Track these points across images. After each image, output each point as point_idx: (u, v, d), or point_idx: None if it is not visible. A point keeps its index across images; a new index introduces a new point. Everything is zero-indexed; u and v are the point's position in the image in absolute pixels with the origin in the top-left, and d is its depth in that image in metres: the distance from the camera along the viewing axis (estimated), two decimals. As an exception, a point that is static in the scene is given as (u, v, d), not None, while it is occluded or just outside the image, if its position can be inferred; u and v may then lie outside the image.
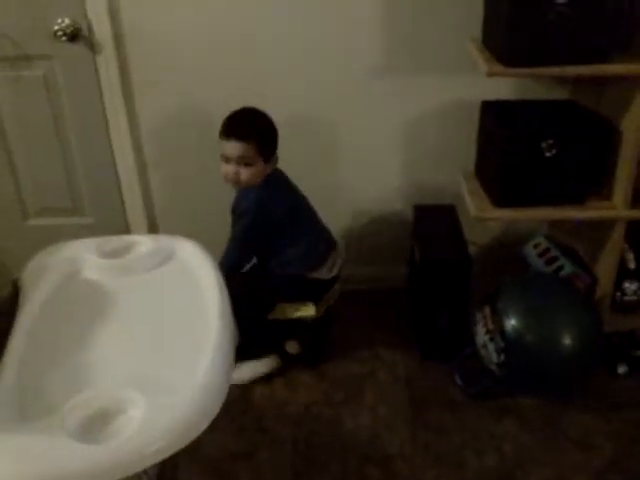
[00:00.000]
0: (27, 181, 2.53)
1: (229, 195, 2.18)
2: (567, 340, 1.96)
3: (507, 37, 1.87)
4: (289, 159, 2.18)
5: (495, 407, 2.08)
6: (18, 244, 2.33)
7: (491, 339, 2.03)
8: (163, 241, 1.29)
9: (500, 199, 2.11)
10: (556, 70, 1.89)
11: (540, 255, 2.39)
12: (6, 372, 0.97)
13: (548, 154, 2.02)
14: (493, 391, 2.11)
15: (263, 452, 1.94)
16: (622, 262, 2.23)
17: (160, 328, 1.08)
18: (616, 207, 2.08)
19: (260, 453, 1.94)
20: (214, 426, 1.94)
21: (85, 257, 1.25)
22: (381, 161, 2.49)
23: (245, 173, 2.07)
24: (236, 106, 2.10)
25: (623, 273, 2.26)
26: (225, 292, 1.14)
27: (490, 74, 1.92)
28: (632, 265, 2.28)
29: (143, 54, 2.31)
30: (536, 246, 2.43)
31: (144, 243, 1.28)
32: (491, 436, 1.98)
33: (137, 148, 2.47)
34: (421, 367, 2.26)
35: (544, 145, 2.01)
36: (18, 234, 2.57)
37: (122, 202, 2.56)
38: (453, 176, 2.35)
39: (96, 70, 2.32)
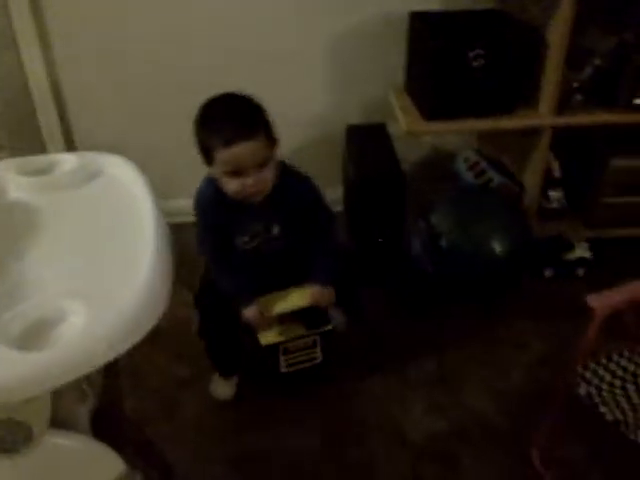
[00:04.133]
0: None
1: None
2: (498, 246, 2.02)
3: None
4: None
5: (434, 315, 2.15)
6: None
7: (426, 249, 2.07)
8: (89, 157, 1.22)
9: (430, 112, 2.12)
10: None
11: (470, 168, 2.43)
12: None
13: (476, 64, 2.03)
14: (431, 300, 2.17)
15: (207, 379, 1.93)
16: (548, 171, 2.31)
17: (95, 241, 1.04)
18: (543, 114, 2.12)
19: (205, 380, 1.93)
20: (156, 353, 1.97)
21: (7, 177, 1.18)
22: (308, 83, 2.43)
23: (266, 175, 1.59)
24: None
25: (549, 182, 2.33)
26: (158, 205, 1.10)
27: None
28: (557, 174, 2.35)
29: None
30: (466, 160, 2.47)
31: (68, 161, 1.21)
32: (431, 342, 2.04)
33: (51, 72, 2.33)
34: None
35: (472, 55, 2.01)
36: None
37: (40, 133, 2.43)
38: (384, 93, 2.34)
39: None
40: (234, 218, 1.70)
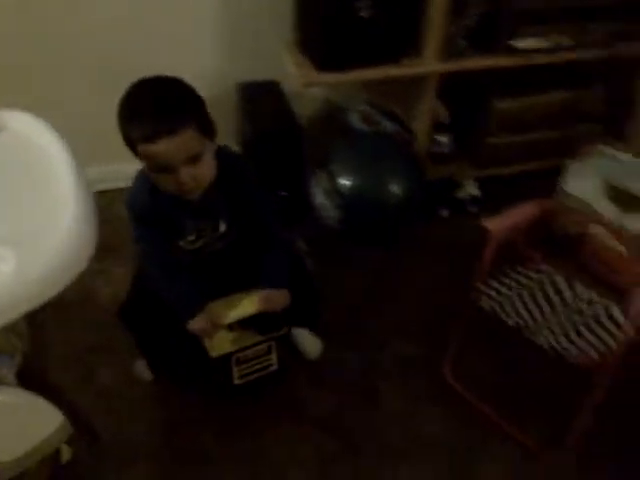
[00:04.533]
0: None
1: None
2: (395, 188, 2.12)
3: None
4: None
5: (337, 259, 2.22)
6: None
7: (329, 198, 2.14)
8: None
9: (322, 64, 2.16)
10: None
11: (363, 120, 2.51)
12: None
13: (363, 14, 2.09)
14: (336, 246, 2.25)
15: (121, 345, 1.89)
16: (436, 118, 2.43)
17: (9, 190, 1.02)
18: (428, 62, 2.22)
19: (117, 346, 1.90)
20: (66, 324, 1.92)
21: None
22: (197, 38, 2.40)
23: (201, 170, 1.43)
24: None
25: (437, 127, 2.45)
26: (71, 153, 1.09)
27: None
28: (445, 119, 2.48)
29: None
30: (358, 112, 2.55)
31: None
32: (335, 285, 2.11)
33: None
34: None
35: (359, 5, 2.08)
36: None
37: None
38: (275, 49, 2.36)
39: None
40: (175, 217, 1.53)
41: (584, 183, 1.70)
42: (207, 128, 1.44)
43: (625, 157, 1.69)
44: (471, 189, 2.41)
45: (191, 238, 1.57)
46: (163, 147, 1.34)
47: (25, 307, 0.85)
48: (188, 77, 2.30)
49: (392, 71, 2.22)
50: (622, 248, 1.64)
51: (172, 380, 1.81)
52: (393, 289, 2.12)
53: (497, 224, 1.64)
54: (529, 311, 1.58)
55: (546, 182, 1.92)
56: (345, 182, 2.12)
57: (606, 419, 1.60)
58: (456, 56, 2.25)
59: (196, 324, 1.54)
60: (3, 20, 2.15)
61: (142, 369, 1.84)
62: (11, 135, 1.19)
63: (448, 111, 2.48)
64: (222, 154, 1.52)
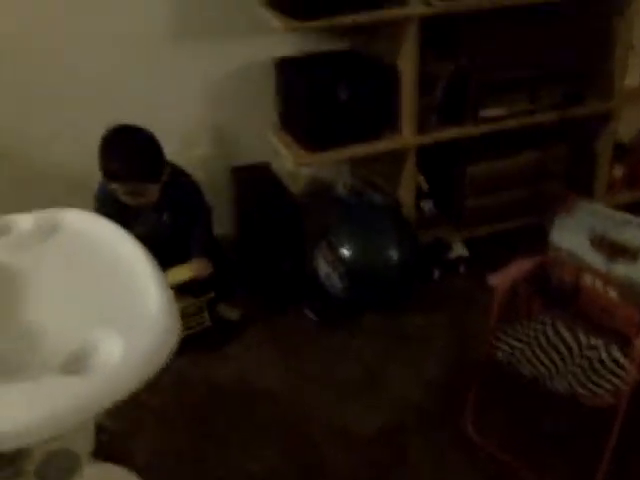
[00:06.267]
0: None
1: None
2: (392, 253, 2.27)
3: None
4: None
5: (347, 326, 2.33)
6: None
7: (333, 268, 2.25)
8: (43, 215, 1.26)
9: (312, 145, 2.32)
10: (347, 18, 2.12)
11: (350, 193, 2.65)
12: None
13: (343, 97, 2.26)
14: (342, 314, 2.36)
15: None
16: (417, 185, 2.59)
17: (88, 277, 1.09)
18: (406, 137, 2.40)
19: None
20: None
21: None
22: (189, 129, 2.54)
23: (154, 192, 2.08)
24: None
25: (418, 194, 2.62)
26: (134, 239, 1.17)
27: (287, 29, 2.10)
28: (424, 187, 2.65)
29: None
30: (344, 186, 2.69)
31: (24, 220, 1.24)
32: (350, 350, 2.22)
33: None
34: (275, 309, 2.44)
35: (337, 88, 2.25)
36: None
37: None
38: (263, 133, 2.51)
39: None
40: (129, 211, 2.07)
41: (571, 236, 1.85)
42: (162, 175, 2.04)
43: (604, 210, 1.86)
44: (459, 249, 2.55)
45: (140, 228, 2.00)
46: (116, 185, 2.00)
47: (132, 387, 0.90)
48: (183, 164, 2.47)
49: (374, 147, 2.39)
50: (614, 293, 1.79)
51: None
52: (399, 347, 2.22)
53: (500, 280, 1.77)
54: (540, 361, 1.70)
55: (528, 237, 2.10)
56: (345, 251, 2.25)
57: (628, 462, 1.70)
58: (430, 129, 2.44)
59: None
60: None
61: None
62: (69, 232, 1.26)
63: (426, 179, 2.65)
64: (174, 169, 2.13)
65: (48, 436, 0.78)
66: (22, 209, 1.29)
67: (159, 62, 2.39)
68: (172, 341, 0.95)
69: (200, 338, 2.21)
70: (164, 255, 1.87)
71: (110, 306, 1.02)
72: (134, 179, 2.01)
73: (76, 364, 0.88)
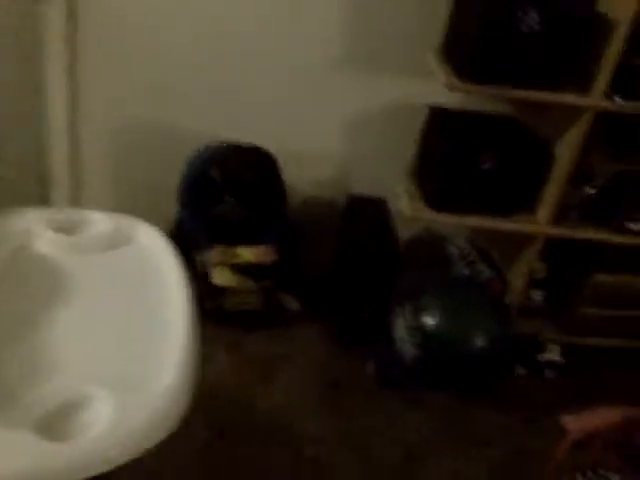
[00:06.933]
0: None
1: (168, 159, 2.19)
2: (480, 342, 2.09)
3: (469, 54, 1.93)
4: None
5: (404, 398, 2.19)
6: None
7: (409, 334, 2.13)
8: (121, 222, 1.25)
9: (434, 202, 2.19)
10: (514, 92, 1.97)
11: (461, 258, 2.50)
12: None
13: (486, 166, 2.12)
14: (404, 382, 2.22)
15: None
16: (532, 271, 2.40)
17: (121, 315, 1.06)
18: (539, 223, 2.21)
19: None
20: None
21: (36, 230, 1.20)
22: (322, 149, 2.51)
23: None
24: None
25: (532, 281, 2.42)
26: (188, 283, 1.13)
27: (448, 87, 1.97)
28: (542, 275, 2.45)
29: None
30: (458, 248, 2.54)
31: (100, 221, 1.24)
32: (398, 426, 2.09)
33: (72, 94, 2.35)
34: (338, 352, 2.34)
35: (482, 158, 2.10)
36: None
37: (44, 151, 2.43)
38: (391, 172, 2.41)
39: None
40: (216, 192, 2.22)
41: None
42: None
43: None
44: (553, 354, 2.35)
45: (221, 205, 2.22)
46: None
47: (119, 460, 0.84)
48: (307, 179, 2.47)
49: (501, 224, 2.23)
50: None
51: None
52: (454, 442, 2.07)
53: (577, 425, 1.58)
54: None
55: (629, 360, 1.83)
56: (430, 321, 2.11)
57: None
58: (567, 223, 2.23)
59: (213, 253, 2.23)
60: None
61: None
62: (137, 249, 1.24)
63: (546, 267, 2.45)
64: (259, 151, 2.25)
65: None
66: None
67: (316, 84, 2.38)
68: (172, 421, 0.89)
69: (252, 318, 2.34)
70: (237, 232, 2.28)
71: (121, 360, 0.97)
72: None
73: (60, 421, 0.84)
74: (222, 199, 2.24)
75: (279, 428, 2.01)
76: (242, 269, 2.26)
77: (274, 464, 1.89)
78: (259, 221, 2.32)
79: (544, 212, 2.20)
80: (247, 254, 2.27)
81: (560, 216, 2.21)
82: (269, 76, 2.37)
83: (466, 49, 1.95)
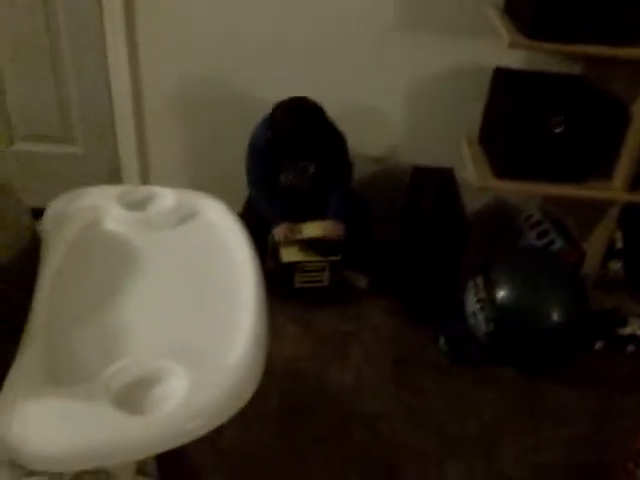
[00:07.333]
0: (15, 104, 2.41)
1: (232, 137, 2.23)
2: (555, 315, 2.01)
3: (534, 9, 1.84)
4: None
5: (477, 374, 2.13)
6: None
7: (482, 308, 2.06)
8: (187, 197, 1.24)
9: (503, 170, 2.11)
10: (584, 48, 1.87)
11: (532, 227, 2.41)
12: (34, 331, 0.94)
13: (556, 130, 2.02)
14: (476, 358, 2.16)
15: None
16: (610, 241, 2.28)
17: (191, 290, 1.05)
18: (616, 189, 2.10)
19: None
20: None
21: (106, 207, 1.20)
22: (384, 117, 2.45)
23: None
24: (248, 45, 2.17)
25: (609, 252, 2.31)
26: (256, 255, 1.11)
27: (512, 46, 1.88)
28: (619, 244, 2.33)
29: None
30: (528, 218, 2.46)
31: (167, 196, 1.23)
32: (471, 402, 2.03)
33: (134, 77, 2.37)
34: (407, 328, 2.30)
35: (553, 121, 2.01)
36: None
37: (114, 134, 2.47)
38: (455, 139, 2.34)
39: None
40: (281, 159, 2.23)
41: None
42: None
43: None
44: (636, 328, 2.24)
45: (289, 176, 2.26)
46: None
47: (194, 434, 0.84)
48: (371, 150, 2.49)
49: (574, 191, 2.13)
50: None
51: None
52: (527, 419, 2.00)
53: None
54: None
55: None
56: (502, 294, 2.03)
57: None
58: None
59: (279, 230, 2.23)
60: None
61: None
62: (203, 224, 1.23)
63: (623, 236, 2.33)
64: (324, 118, 2.15)
65: (87, 467, 0.76)
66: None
67: (379, 48, 2.33)
68: (244, 395, 0.88)
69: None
70: (304, 207, 2.30)
71: (193, 335, 0.96)
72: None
73: (136, 395, 0.84)
74: (290, 167, 2.25)
75: (350, 404, 1.99)
76: (309, 245, 2.26)
77: (345, 440, 1.87)
78: (325, 194, 2.29)
79: (620, 177, 2.09)
80: (314, 229, 2.26)
81: (638, 181, 2.10)
82: (329, 43, 2.33)
83: (530, 4, 1.86)
